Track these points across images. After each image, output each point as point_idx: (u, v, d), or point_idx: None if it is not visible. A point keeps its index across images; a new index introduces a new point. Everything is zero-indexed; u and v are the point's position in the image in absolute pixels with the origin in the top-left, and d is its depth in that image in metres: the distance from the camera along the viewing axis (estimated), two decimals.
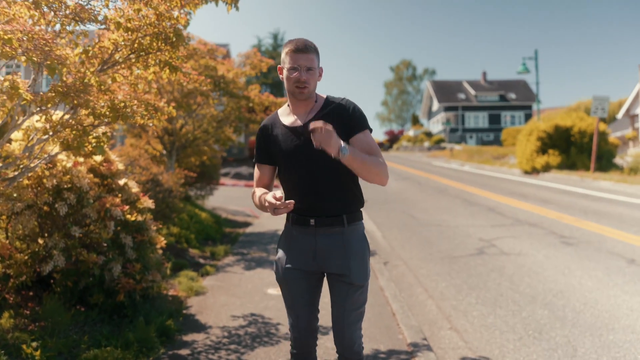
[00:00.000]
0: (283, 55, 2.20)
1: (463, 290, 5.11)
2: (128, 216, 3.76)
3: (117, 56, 2.94)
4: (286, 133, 2.24)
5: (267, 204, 2.04)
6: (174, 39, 2.81)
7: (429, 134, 57.66)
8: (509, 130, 45.42)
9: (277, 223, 8.82)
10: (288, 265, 2.27)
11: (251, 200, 2.44)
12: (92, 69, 2.96)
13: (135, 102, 2.98)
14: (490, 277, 5.57)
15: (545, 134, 20.36)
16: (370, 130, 2.26)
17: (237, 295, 4.70)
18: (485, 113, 57.21)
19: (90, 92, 2.67)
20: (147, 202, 3.93)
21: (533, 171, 20.44)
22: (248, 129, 7.74)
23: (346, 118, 2.20)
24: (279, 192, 2.08)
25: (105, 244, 3.66)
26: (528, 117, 54.86)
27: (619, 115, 28.84)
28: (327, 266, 2.24)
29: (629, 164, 19.08)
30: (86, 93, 2.62)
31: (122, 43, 2.84)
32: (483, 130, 56.91)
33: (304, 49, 2.15)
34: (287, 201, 2.01)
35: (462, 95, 58.27)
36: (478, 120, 57.32)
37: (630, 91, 27.64)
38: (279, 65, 2.26)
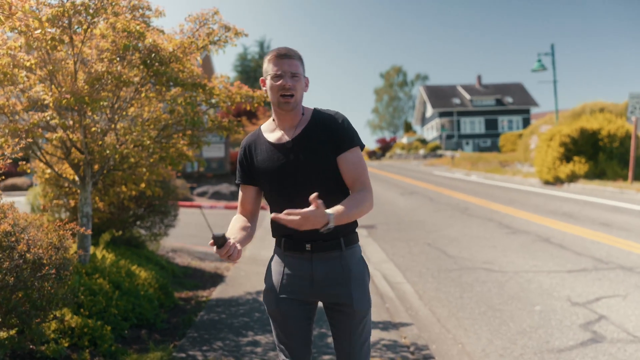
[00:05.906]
0: (265, 64, 2.00)
1: None
2: None
3: None
4: (271, 150, 2.02)
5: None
6: None
7: (423, 141, 55.16)
8: (506, 136, 43.17)
9: (262, 278, 6.06)
10: (283, 295, 2.03)
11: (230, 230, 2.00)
12: None
13: None
14: None
15: (569, 138, 17.81)
16: (362, 147, 2.03)
17: None
18: (482, 118, 54.89)
19: None
20: None
21: (556, 181, 17.87)
22: (229, 140, 5.10)
23: (336, 131, 2.00)
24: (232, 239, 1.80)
25: None
26: (526, 121, 52.66)
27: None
28: (326, 295, 2.03)
29: None
30: None
31: None
32: (480, 136, 54.56)
33: (288, 54, 1.97)
34: (231, 245, 1.74)
35: (456, 100, 55.96)
36: (474, 125, 54.97)
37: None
38: (261, 78, 2.04)
